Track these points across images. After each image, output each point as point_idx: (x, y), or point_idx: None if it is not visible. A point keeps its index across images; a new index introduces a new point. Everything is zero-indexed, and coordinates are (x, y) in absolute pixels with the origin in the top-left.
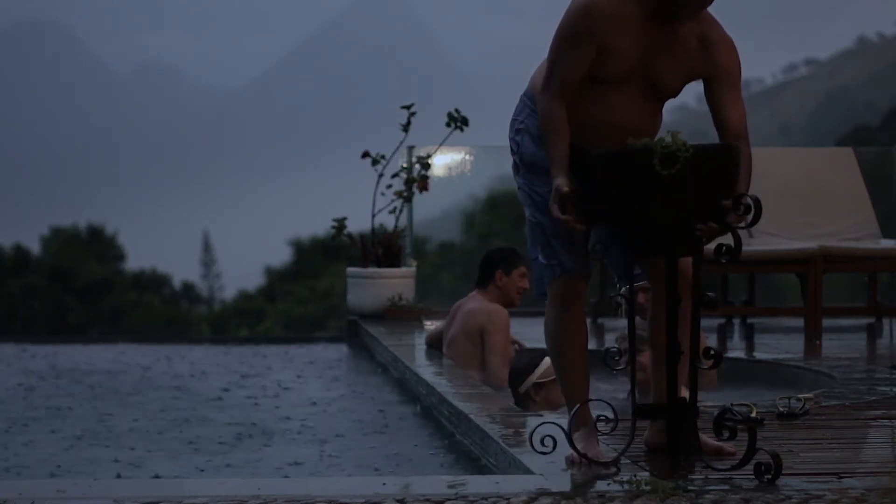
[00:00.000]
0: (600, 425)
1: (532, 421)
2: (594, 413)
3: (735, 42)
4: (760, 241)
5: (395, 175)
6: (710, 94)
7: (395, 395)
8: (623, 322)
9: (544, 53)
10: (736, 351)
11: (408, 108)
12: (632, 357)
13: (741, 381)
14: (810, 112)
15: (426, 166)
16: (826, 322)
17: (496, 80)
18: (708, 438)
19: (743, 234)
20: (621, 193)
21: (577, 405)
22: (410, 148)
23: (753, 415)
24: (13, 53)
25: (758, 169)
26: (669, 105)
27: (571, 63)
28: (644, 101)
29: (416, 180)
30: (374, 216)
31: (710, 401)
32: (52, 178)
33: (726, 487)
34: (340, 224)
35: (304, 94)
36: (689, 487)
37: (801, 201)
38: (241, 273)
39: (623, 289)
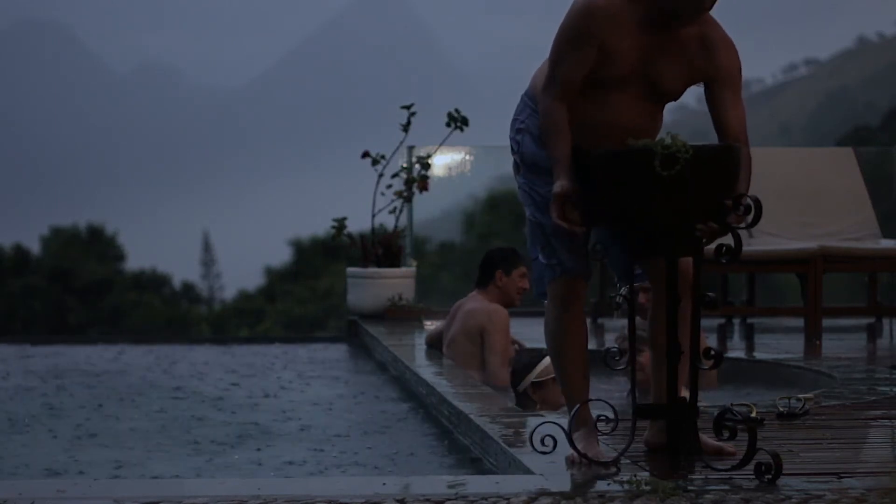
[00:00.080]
0: (600, 425)
1: (532, 421)
2: (594, 413)
3: (735, 42)
4: (760, 241)
5: (395, 175)
6: (711, 96)
7: (395, 395)
8: (623, 322)
9: (544, 53)
10: (736, 351)
11: (408, 108)
12: (632, 357)
13: (741, 381)
14: (810, 112)
15: (426, 166)
16: (826, 322)
17: (496, 80)
18: (708, 438)
19: (743, 234)
20: (621, 193)
21: (578, 405)
22: (410, 148)
23: (753, 415)
24: (13, 53)
25: (758, 169)
26: (669, 105)
27: (572, 64)
28: (644, 102)
29: (416, 180)
30: (374, 216)
31: (710, 401)
32: (52, 178)
33: (726, 487)
34: (340, 224)
35: (304, 94)
36: (689, 487)
37: (801, 201)
38: (241, 273)
39: (623, 289)
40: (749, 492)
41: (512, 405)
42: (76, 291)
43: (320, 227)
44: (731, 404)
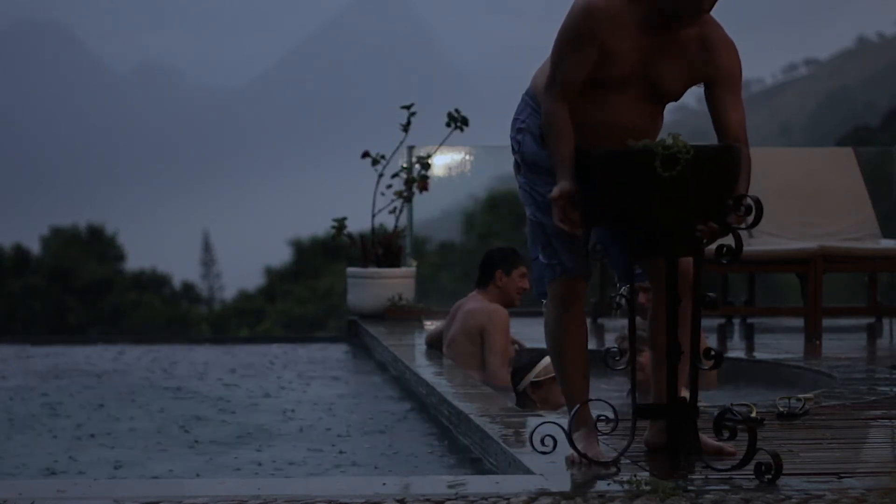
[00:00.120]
0: (600, 425)
1: (532, 421)
2: (594, 413)
3: (735, 42)
4: (760, 241)
5: (395, 175)
6: (711, 97)
7: (395, 395)
8: (623, 322)
9: (544, 53)
10: (736, 351)
11: (408, 108)
12: (632, 357)
13: (741, 381)
14: (810, 112)
15: (426, 166)
16: (826, 322)
17: (496, 80)
18: (708, 438)
19: (743, 234)
20: (621, 193)
21: (578, 405)
22: (410, 148)
23: (753, 415)
24: (13, 53)
25: (758, 169)
26: (669, 105)
27: (573, 65)
28: (644, 103)
29: (416, 180)
30: (374, 216)
31: (709, 401)
32: (52, 178)
33: (726, 487)
34: (340, 224)
35: (304, 94)
36: (689, 487)
37: (801, 201)
38: (241, 273)
39: (623, 289)
40: (749, 492)
41: (512, 405)
42: (76, 291)
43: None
44: (731, 404)
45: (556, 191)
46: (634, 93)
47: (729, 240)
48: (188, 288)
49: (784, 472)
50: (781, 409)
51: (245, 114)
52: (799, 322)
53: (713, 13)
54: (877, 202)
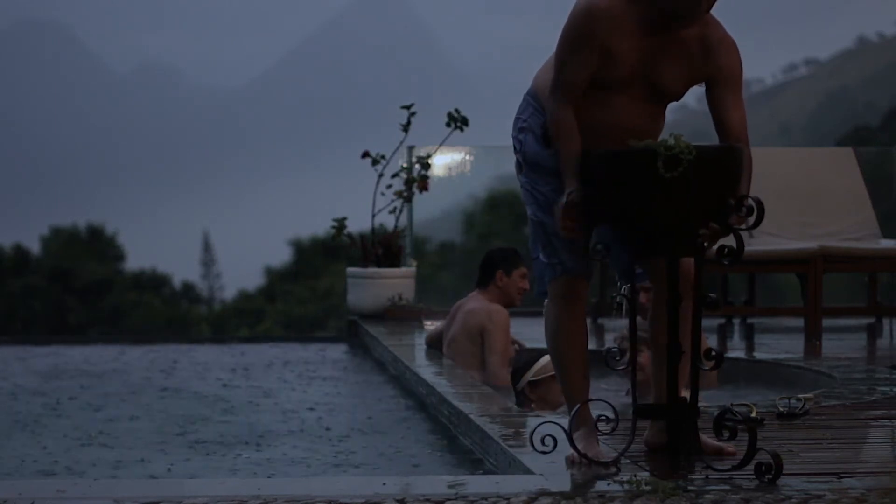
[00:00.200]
0: (600, 425)
1: (532, 421)
2: (594, 413)
3: (735, 42)
4: (760, 241)
5: (395, 175)
6: (711, 96)
7: (395, 395)
8: (623, 322)
9: (544, 53)
10: (736, 351)
11: (408, 108)
12: (632, 357)
13: (741, 381)
14: (810, 112)
15: (426, 166)
16: (826, 322)
17: (496, 80)
18: (708, 438)
19: (743, 234)
20: (622, 194)
21: (578, 405)
22: (410, 148)
23: (753, 415)
24: (13, 53)
25: (758, 169)
26: (670, 105)
27: (576, 67)
28: (645, 103)
29: (416, 180)
30: (374, 216)
31: (709, 401)
32: (52, 178)
33: (726, 487)
34: (340, 224)
35: (304, 94)
36: (689, 487)
37: (801, 201)
38: (241, 273)
39: (624, 288)
40: (749, 492)
41: (512, 405)
42: (76, 291)
43: (320, 227)
44: (731, 404)
45: (566, 197)
46: (635, 93)
47: (730, 240)
48: (188, 288)
49: (784, 472)
50: (781, 409)
51: (245, 114)
52: (799, 322)
53: (713, 13)
54: (877, 202)
